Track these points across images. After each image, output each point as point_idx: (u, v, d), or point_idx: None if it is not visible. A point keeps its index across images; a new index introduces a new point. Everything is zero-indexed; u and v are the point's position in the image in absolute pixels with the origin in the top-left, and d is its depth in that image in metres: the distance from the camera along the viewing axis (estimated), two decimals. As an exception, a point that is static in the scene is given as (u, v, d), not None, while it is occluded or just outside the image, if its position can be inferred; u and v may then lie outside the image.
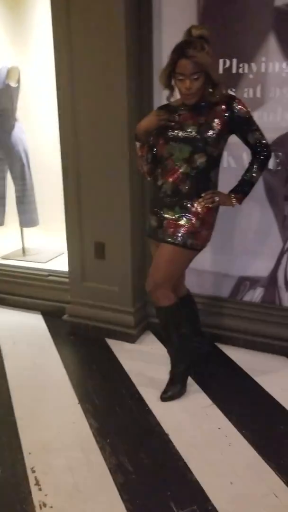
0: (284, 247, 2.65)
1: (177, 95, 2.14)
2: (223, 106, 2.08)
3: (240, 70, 2.46)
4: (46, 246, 3.99)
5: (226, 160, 2.62)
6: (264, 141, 2.16)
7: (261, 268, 2.73)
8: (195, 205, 2.15)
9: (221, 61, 2.47)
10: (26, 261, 3.73)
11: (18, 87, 3.62)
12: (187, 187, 2.14)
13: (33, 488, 1.83)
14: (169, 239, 2.17)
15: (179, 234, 2.15)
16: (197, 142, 2.08)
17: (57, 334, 3.09)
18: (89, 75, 2.60)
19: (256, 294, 2.79)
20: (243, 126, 2.12)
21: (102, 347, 2.92)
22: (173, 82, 2.07)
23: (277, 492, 1.77)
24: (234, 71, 2.47)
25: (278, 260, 2.68)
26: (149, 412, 2.26)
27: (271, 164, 2.53)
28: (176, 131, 2.12)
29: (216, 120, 2.07)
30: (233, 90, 2.50)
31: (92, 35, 2.53)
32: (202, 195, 2.15)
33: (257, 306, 2.79)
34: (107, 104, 2.59)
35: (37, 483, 1.86)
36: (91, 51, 2.55)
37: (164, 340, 2.50)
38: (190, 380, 2.50)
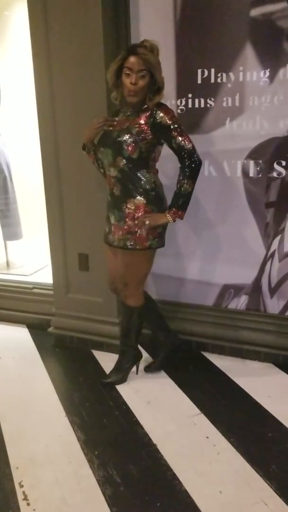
0: (267, 254, 2.67)
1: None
2: (147, 113, 2.18)
3: (219, 80, 2.49)
4: (30, 258, 3.97)
5: (207, 169, 2.64)
6: (188, 147, 2.16)
7: (245, 275, 2.75)
8: (128, 205, 2.24)
9: (199, 71, 2.50)
10: (10, 274, 3.71)
11: (-2, 100, 3.62)
12: (119, 190, 2.25)
13: (22, 503, 1.81)
14: (116, 244, 2.32)
15: (120, 237, 2.28)
16: (115, 146, 2.20)
17: (43, 347, 3.06)
18: (69, 88, 2.61)
19: (241, 302, 2.80)
20: (166, 133, 2.17)
21: (88, 358, 2.90)
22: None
23: (266, 500, 1.77)
24: (212, 80, 2.50)
25: (261, 267, 2.70)
26: (136, 423, 2.25)
27: (251, 172, 2.56)
28: (104, 136, 2.26)
29: (137, 125, 2.17)
30: (212, 99, 2.53)
31: (70, 48, 2.54)
32: (136, 223, 2.24)
33: (242, 314, 2.80)
34: (87, 115, 2.59)
35: (25, 498, 1.83)
36: (69, 62, 2.57)
37: (122, 334, 2.58)
38: (177, 389, 2.50)
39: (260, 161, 2.54)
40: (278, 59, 2.38)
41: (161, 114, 2.15)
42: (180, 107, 2.61)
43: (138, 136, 2.16)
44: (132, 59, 2.08)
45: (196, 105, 2.56)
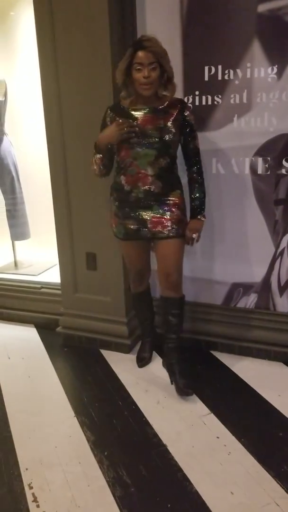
0: (276, 252, 2.64)
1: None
2: (177, 110, 2.25)
3: (226, 77, 2.47)
4: (38, 258, 3.96)
5: (215, 167, 2.62)
6: (199, 148, 2.36)
7: (254, 274, 2.72)
8: (171, 198, 2.32)
9: (206, 68, 2.48)
10: (19, 274, 3.70)
11: (5, 101, 3.61)
12: (160, 187, 2.29)
13: (31, 505, 1.80)
14: (164, 234, 2.33)
15: (171, 227, 2.32)
16: (159, 145, 2.23)
17: (51, 347, 3.06)
18: (75, 88, 2.60)
19: (250, 300, 2.78)
20: (190, 133, 2.30)
21: (97, 358, 2.89)
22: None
23: (278, 500, 1.75)
24: (219, 78, 2.48)
25: (270, 265, 2.67)
26: (146, 423, 2.24)
27: (260, 169, 2.54)
28: (139, 137, 2.23)
29: (170, 124, 2.23)
30: (219, 96, 2.51)
31: (76, 48, 2.53)
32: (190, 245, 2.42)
33: (251, 312, 2.78)
34: (94, 113, 2.58)
35: (34, 500, 1.83)
36: (76, 64, 2.56)
37: (173, 330, 2.50)
38: (186, 388, 2.49)
39: (269, 158, 2.52)
40: (286, 55, 2.36)
41: (188, 112, 2.28)
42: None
43: (175, 134, 2.26)
44: (141, 53, 2.11)
45: (204, 103, 2.54)
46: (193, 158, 2.35)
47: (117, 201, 2.39)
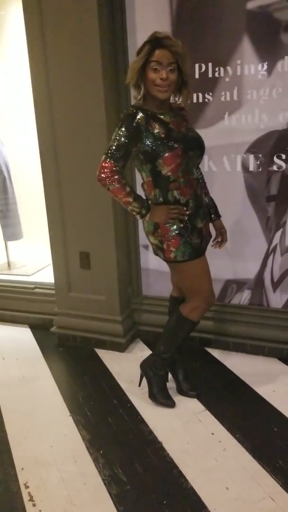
0: (269, 248, 2.65)
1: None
2: (185, 114, 2.14)
3: (216, 74, 2.47)
4: (31, 258, 3.96)
5: (207, 164, 2.62)
6: None
7: (247, 270, 2.73)
8: (205, 200, 2.23)
9: (196, 65, 2.48)
10: (12, 274, 3.70)
11: (-4, 100, 3.61)
12: (199, 189, 2.14)
13: (27, 504, 1.80)
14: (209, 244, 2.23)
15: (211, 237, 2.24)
16: (201, 147, 2.08)
17: (46, 347, 3.05)
18: (66, 86, 2.60)
19: (243, 297, 2.79)
20: None
21: (92, 357, 2.89)
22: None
23: (274, 495, 1.76)
24: (210, 75, 2.48)
25: (264, 262, 2.68)
26: (141, 421, 2.24)
27: (251, 166, 2.54)
28: (186, 140, 2.00)
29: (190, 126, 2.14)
30: (210, 94, 2.51)
31: (66, 48, 2.53)
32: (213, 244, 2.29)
33: (245, 309, 2.79)
34: (84, 112, 2.59)
35: (31, 499, 1.82)
36: (66, 60, 2.55)
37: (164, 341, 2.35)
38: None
39: (260, 155, 2.53)
40: (276, 52, 2.36)
41: (187, 117, 2.17)
42: (178, 102, 2.58)
43: None
44: (159, 52, 1.88)
45: (194, 100, 2.54)
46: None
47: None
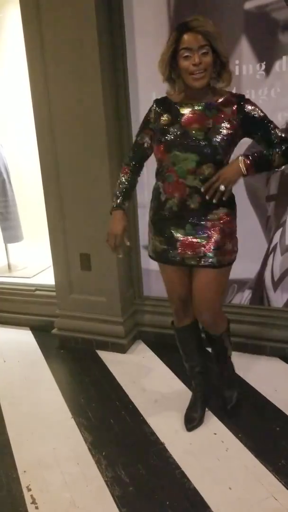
0: (269, 248, 2.65)
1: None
2: (234, 107, 1.81)
3: (215, 75, 2.47)
4: (32, 260, 3.96)
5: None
6: (286, 136, 1.86)
7: (247, 270, 2.73)
8: (209, 217, 1.86)
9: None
10: (12, 277, 3.70)
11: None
12: (197, 202, 1.84)
13: (30, 507, 1.80)
14: (193, 262, 1.91)
15: (204, 255, 1.88)
16: (206, 150, 1.78)
17: (47, 349, 3.05)
18: (64, 87, 2.59)
19: (244, 296, 2.79)
20: (262, 127, 1.85)
21: (93, 359, 2.88)
22: (173, 75, 1.80)
23: (276, 495, 1.76)
24: (208, 75, 2.48)
25: (264, 261, 2.68)
26: (143, 422, 2.24)
27: (251, 165, 2.54)
28: (178, 137, 1.81)
29: (223, 125, 1.79)
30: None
31: (64, 47, 2.52)
32: (210, 199, 1.82)
33: (246, 308, 2.78)
34: (83, 113, 2.59)
35: (33, 502, 1.82)
36: (64, 62, 2.55)
37: (224, 367, 2.25)
38: (183, 387, 2.49)
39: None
40: (274, 52, 2.36)
41: (251, 107, 1.82)
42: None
43: (230, 137, 1.80)
44: (187, 37, 1.69)
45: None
46: (281, 147, 1.84)
47: (152, 210, 1.99)
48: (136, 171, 2.03)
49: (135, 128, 2.70)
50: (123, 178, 2.02)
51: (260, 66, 2.40)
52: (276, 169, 2.10)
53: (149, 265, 2.96)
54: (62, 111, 2.65)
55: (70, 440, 2.16)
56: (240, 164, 1.80)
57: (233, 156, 1.89)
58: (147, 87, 2.63)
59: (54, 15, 2.49)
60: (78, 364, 2.85)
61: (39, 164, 2.83)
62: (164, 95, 1.93)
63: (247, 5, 2.36)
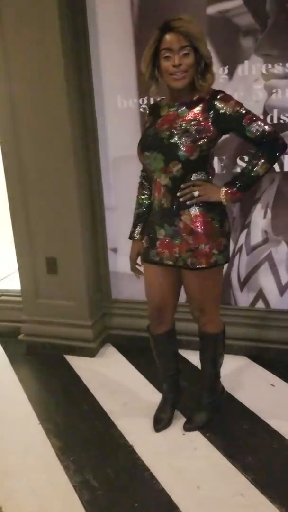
0: (235, 248, 2.69)
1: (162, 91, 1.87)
2: (202, 105, 1.78)
3: (178, 78, 2.50)
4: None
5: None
6: (268, 131, 1.77)
7: (214, 271, 2.75)
8: (183, 218, 1.84)
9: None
10: (-23, 283, 3.63)
11: None
12: (169, 201, 1.84)
13: (-4, 517, 1.76)
14: (171, 263, 1.91)
15: (180, 256, 1.88)
16: (168, 149, 1.77)
17: (14, 355, 2.99)
18: (28, 88, 2.56)
19: (211, 297, 2.81)
20: (235, 123, 1.78)
21: (61, 364, 2.84)
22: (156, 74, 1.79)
23: (244, 491, 1.77)
24: (172, 79, 2.50)
25: (230, 261, 2.71)
26: (112, 425, 2.22)
27: (216, 168, 2.57)
28: (150, 138, 1.84)
29: (193, 122, 1.77)
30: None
31: (27, 49, 2.49)
32: (179, 195, 1.83)
33: (213, 309, 2.81)
34: (48, 115, 2.56)
35: (0, 511, 1.78)
36: (28, 67, 2.51)
37: (207, 368, 2.20)
38: (152, 389, 2.49)
39: (224, 157, 2.56)
40: (236, 56, 2.41)
41: (221, 104, 1.76)
42: (142, 106, 2.60)
43: (197, 134, 1.75)
44: (169, 37, 1.67)
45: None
46: (259, 144, 1.80)
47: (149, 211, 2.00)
48: (147, 183, 2.02)
49: (101, 130, 2.73)
50: (137, 199, 2.07)
51: (223, 70, 2.45)
52: None
53: (117, 267, 2.96)
54: (27, 114, 2.61)
55: (37, 447, 2.12)
56: (221, 196, 1.81)
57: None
58: (112, 90, 2.64)
59: (17, 15, 2.46)
60: (46, 369, 2.81)
61: (3, 166, 2.79)
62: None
63: (210, 10, 2.40)
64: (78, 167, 2.64)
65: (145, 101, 2.58)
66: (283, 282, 2.66)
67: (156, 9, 2.46)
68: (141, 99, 2.59)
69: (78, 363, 2.82)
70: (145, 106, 2.58)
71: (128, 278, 2.92)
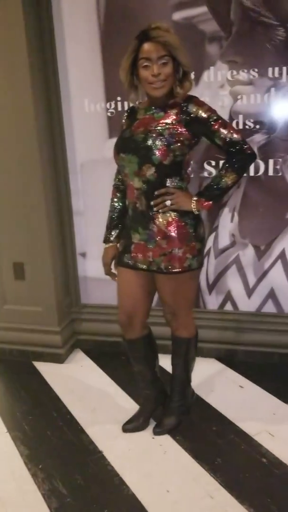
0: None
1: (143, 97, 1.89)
2: (176, 109, 1.80)
3: (146, 83, 2.51)
4: None
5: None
6: (236, 139, 1.79)
7: (183, 274, 2.77)
8: (156, 222, 1.84)
9: (126, 74, 2.51)
10: None
11: None
12: (144, 205, 1.85)
13: None
14: (144, 267, 1.91)
15: (153, 260, 1.88)
16: (142, 151, 1.78)
17: (-19, 363, 2.93)
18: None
19: (180, 301, 2.82)
20: (205, 128, 1.80)
21: (30, 371, 2.80)
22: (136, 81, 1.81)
23: (212, 493, 1.78)
24: (139, 83, 2.52)
25: (198, 265, 2.74)
26: (81, 431, 2.20)
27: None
28: (125, 141, 1.86)
29: (167, 125, 1.78)
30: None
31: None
32: (152, 203, 1.84)
33: (182, 312, 2.82)
34: (14, 119, 2.53)
35: None
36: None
37: (177, 372, 2.18)
38: (122, 393, 2.48)
39: (191, 162, 2.58)
40: (202, 62, 2.44)
41: (194, 108, 1.79)
42: (110, 110, 2.60)
43: (171, 137, 1.76)
44: (147, 46, 1.69)
45: (125, 107, 2.57)
46: (227, 152, 1.83)
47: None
48: (121, 187, 2.03)
49: (68, 133, 2.71)
50: (111, 203, 2.06)
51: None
52: None
53: (86, 272, 2.94)
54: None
55: (5, 456, 2.08)
56: (192, 205, 1.82)
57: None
58: (79, 93, 2.63)
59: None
60: (14, 376, 2.76)
61: None
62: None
63: (176, 16, 2.42)
64: (45, 171, 2.61)
65: (113, 105, 2.58)
66: (251, 284, 2.70)
67: (122, 13, 2.47)
68: (108, 103, 2.59)
69: (47, 370, 2.78)
70: (113, 111, 2.58)
71: (97, 283, 2.92)
